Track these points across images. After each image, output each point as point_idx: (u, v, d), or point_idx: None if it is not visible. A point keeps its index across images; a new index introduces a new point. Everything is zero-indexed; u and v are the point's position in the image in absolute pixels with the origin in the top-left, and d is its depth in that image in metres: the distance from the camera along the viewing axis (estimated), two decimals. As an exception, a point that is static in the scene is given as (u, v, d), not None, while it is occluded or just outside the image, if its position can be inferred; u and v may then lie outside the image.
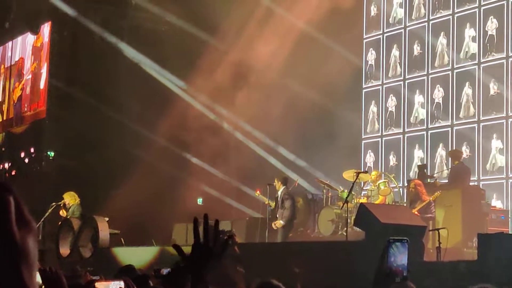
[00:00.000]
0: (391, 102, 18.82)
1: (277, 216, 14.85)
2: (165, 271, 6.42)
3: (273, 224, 14.84)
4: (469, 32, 17.21)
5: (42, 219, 16.93)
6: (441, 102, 17.64)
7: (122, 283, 3.87)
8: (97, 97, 19.46)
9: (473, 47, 17.11)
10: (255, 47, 18.81)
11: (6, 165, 23.42)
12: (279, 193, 14.98)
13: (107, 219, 15.98)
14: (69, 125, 19.83)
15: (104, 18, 20.32)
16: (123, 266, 6.92)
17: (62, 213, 16.66)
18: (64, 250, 16.26)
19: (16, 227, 1.42)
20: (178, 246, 2.47)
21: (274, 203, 16.32)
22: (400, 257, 3.20)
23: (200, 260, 2.32)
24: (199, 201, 19.67)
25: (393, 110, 18.73)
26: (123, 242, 16.59)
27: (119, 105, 19.39)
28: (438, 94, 17.72)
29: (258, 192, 16.65)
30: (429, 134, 17.83)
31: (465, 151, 16.63)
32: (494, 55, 16.70)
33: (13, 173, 22.78)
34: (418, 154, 17.97)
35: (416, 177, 15.69)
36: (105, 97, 19.47)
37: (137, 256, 14.25)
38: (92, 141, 19.52)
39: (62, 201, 16.66)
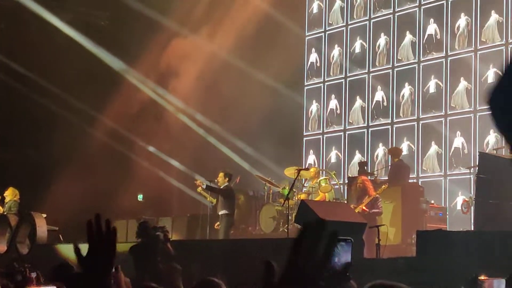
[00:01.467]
0: (333, 100, 18.94)
1: (218, 208, 14.82)
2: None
3: (216, 226, 14.84)
4: (409, 32, 17.44)
5: (-22, 215, 16.59)
6: (381, 100, 17.82)
7: None
8: (35, 88, 19.07)
9: (413, 47, 17.34)
10: (201, 33, 18.73)
11: None
12: (222, 187, 14.91)
13: (44, 215, 15.71)
14: (6, 117, 19.39)
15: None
16: (60, 263, 6.77)
17: (-1, 209, 16.37)
18: (1, 247, 15.92)
19: None
20: (78, 249, 2.20)
21: (215, 199, 16.26)
22: (344, 256, 3.17)
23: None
24: (140, 197, 19.49)
25: (334, 108, 18.85)
26: (61, 238, 16.35)
27: (58, 98, 19.03)
28: (379, 93, 17.90)
29: (199, 188, 16.55)
30: (369, 131, 17.99)
31: (406, 148, 16.84)
32: (433, 54, 16.93)
33: None
34: (359, 151, 18.13)
35: (357, 174, 15.80)
36: (43, 88, 19.08)
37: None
38: (30, 134, 19.15)
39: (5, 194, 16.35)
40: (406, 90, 17.34)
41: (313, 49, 19.55)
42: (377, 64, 18.04)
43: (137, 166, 19.06)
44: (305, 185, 16.23)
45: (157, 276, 8.79)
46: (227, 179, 14.91)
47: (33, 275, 6.97)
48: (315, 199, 14.81)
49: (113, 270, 6.05)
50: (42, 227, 15.30)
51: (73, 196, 17.19)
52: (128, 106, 18.80)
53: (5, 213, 16.14)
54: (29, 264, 14.64)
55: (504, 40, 15.75)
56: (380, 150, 17.63)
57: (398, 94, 17.46)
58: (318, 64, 19.39)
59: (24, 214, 15.70)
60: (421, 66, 17.10)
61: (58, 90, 18.98)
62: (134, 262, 9.46)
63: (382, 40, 17.96)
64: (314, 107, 19.33)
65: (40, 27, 19.04)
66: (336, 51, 18.98)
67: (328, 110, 18.99)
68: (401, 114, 17.40)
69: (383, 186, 13.18)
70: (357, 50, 18.50)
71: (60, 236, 16.47)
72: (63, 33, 19.36)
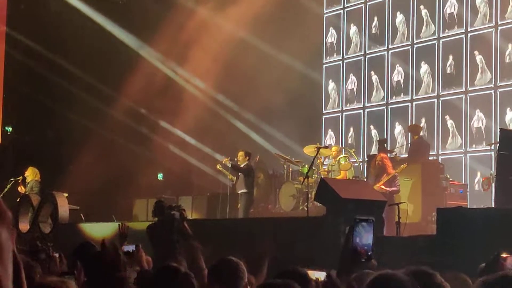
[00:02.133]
0: (351, 78, 18.86)
1: (238, 186, 14.83)
2: (126, 248, 6.33)
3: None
4: (426, 9, 17.32)
5: (1, 195, 16.72)
6: (401, 78, 17.72)
7: None
8: (53, 68, 19.14)
9: (433, 23, 17.21)
10: (220, 12, 18.66)
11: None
12: (242, 165, 14.93)
13: (66, 194, 15.81)
14: (27, 99, 19.50)
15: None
16: (80, 243, 6.80)
17: (21, 189, 16.48)
18: (24, 226, 16.07)
19: None
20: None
21: (235, 178, 16.29)
22: (365, 236, 3.17)
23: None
24: (160, 176, 19.56)
25: (354, 86, 18.77)
26: (83, 218, 16.47)
27: (77, 77, 19.08)
28: (398, 70, 17.80)
29: (219, 165, 16.59)
30: (389, 109, 17.90)
31: (425, 125, 16.78)
32: (455, 29, 16.80)
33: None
34: (378, 129, 18.06)
35: (377, 152, 15.76)
36: (62, 68, 19.13)
37: (98, 232, 14.11)
38: (50, 115, 19.24)
39: (20, 176, 16.46)
40: (425, 67, 17.22)
41: (332, 27, 19.44)
42: (395, 42, 17.93)
43: (157, 145, 19.11)
44: (324, 163, 16.21)
45: (175, 255, 8.82)
46: (247, 157, 14.92)
47: (56, 255, 7.01)
48: (336, 177, 14.82)
49: (134, 249, 6.08)
50: (64, 207, 15.40)
51: (93, 176, 17.27)
52: (147, 85, 18.79)
53: (27, 193, 16.26)
54: (51, 243, 14.84)
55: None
56: (399, 128, 17.55)
57: (417, 71, 17.35)
58: (336, 42, 19.30)
59: (46, 193, 15.81)
60: (441, 42, 16.96)
61: (77, 70, 19.03)
62: (150, 241, 9.50)
63: (400, 17, 17.84)
64: (333, 85, 19.26)
65: (59, 7, 19.04)
66: (354, 28, 18.86)
67: (347, 88, 18.91)
68: (420, 92, 17.30)
69: (402, 165, 13.15)
70: (375, 27, 18.37)
71: (82, 215, 16.58)
72: (81, 13, 19.35)
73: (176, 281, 4.25)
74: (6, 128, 20.43)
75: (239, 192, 14.70)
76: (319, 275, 4.84)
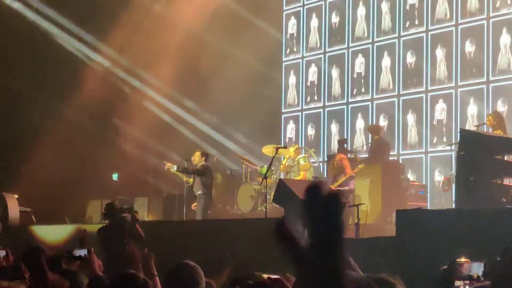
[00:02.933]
0: (311, 75, 18.93)
1: (194, 189, 14.82)
2: (78, 252, 6.27)
3: (193, 206, 14.84)
4: (386, 4, 17.46)
5: None
6: (361, 75, 17.84)
7: None
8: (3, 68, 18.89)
9: (391, 20, 17.37)
10: (174, 10, 18.58)
11: None
12: (198, 166, 14.89)
13: (16, 196, 15.64)
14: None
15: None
16: (30, 248, 6.72)
17: (-31, 191, 16.22)
18: (-30, 230, 15.84)
19: None
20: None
21: (192, 179, 16.22)
22: None
23: None
24: (115, 176, 19.40)
25: (314, 84, 18.85)
26: (34, 220, 16.28)
27: (26, 75, 18.82)
28: (359, 67, 17.92)
29: (171, 169, 16.55)
30: (349, 108, 18.02)
31: (384, 125, 16.91)
32: (415, 28, 16.95)
33: None
34: (337, 128, 18.16)
35: (336, 151, 15.85)
36: (10, 66, 18.87)
37: (50, 234, 13.97)
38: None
39: None
40: (387, 62, 17.35)
41: (291, 23, 19.50)
42: (355, 38, 18.04)
43: (112, 145, 18.97)
44: (283, 163, 16.25)
45: (126, 259, 8.76)
46: (203, 158, 14.90)
47: (2, 253, 6.90)
48: (296, 178, 14.87)
49: (86, 253, 6.03)
50: (14, 208, 15.23)
51: (46, 176, 17.09)
52: (102, 83, 18.66)
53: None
54: (0, 246, 14.63)
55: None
56: (360, 127, 17.67)
57: (378, 68, 17.49)
58: (296, 39, 19.35)
59: (-5, 195, 15.60)
60: (401, 41, 17.13)
61: (26, 65, 18.75)
62: (101, 244, 9.42)
63: (361, 10, 17.97)
64: (292, 82, 19.31)
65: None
66: (314, 25, 18.93)
67: (307, 86, 18.98)
68: (380, 89, 17.44)
69: (360, 166, 13.25)
70: (335, 24, 18.47)
71: (33, 217, 16.39)
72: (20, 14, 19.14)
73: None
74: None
75: (197, 193, 14.68)
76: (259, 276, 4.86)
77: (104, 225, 10.22)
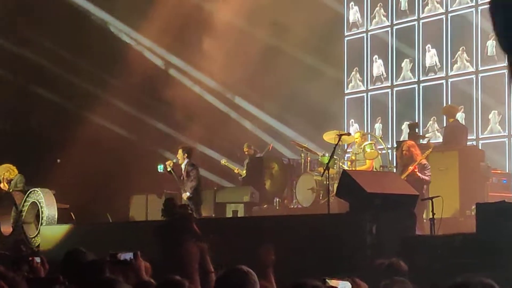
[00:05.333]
0: (377, 53, 18.78)
1: (183, 189, 14.96)
2: (122, 256, 6.29)
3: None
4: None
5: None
6: (434, 53, 17.63)
7: None
8: (37, 49, 19.17)
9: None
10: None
11: None
12: (183, 165, 15.01)
13: (53, 192, 15.85)
14: (4, 82, 19.52)
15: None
16: (71, 250, 6.79)
17: (3, 186, 16.48)
18: (6, 228, 16.14)
19: None
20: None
21: (245, 171, 16.36)
22: None
23: None
24: (160, 168, 19.52)
25: (380, 63, 18.70)
26: (73, 217, 16.50)
27: (64, 60, 19.10)
28: (430, 43, 17.71)
29: (224, 160, 16.68)
30: (420, 87, 17.84)
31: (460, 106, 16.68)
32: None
33: None
34: (407, 110, 18.00)
35: (407, 137, 15.72)
36: (46, 49, 19.16)
37: (91, 235, 14.14)
38: (33, 100, 19.25)
39: None
40: (463, 35, 17.12)
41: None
42: (426, 10, 17.83)
43: (156, 133, 19.12)
44: (347, 151, 16.19)
45: (184, 258, 8.87)
46: (186, 155, 14.97)
47: (37, 260, 6.99)
48: (361, 168, 14.81)
49: (132, 257, 6.08)
50: (51, 206, 15.45)
51: (84, 170, 17.32)
52: (143, 67, 18.80)
53: (11, 190, 16.26)
54: (37, 246, 14.92)
55: None
56: (433, 108, 17.47)
57: (454, 45, 17.26)
58: (359, 13, 19.20)
59: (30, 191, 15.83)
60: (479, 11, 16.87)
61: (62, 49, 19.02)
62: (160, 244, 9.53)
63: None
64: (356, 61, 19.19)
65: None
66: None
67: (371, 63, 18.85)
68: (456, 67, 17.22)
69: (427, 151, 13.09)
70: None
71: (72, 214, 16.61)
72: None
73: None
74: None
75: (185, 198, 14.79)
76: (343, 285, 4.84)
77: (162, 222, 10.35)
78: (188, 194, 14.80)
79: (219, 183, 18.22)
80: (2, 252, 14.78)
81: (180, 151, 15.05)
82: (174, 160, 15.16)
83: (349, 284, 4.86)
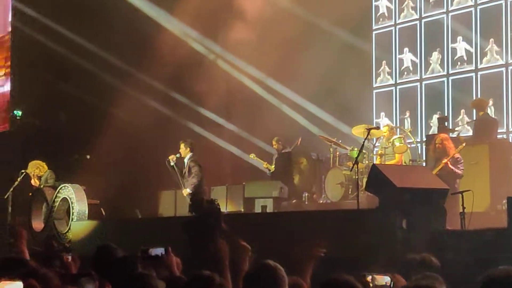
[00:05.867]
0: (405, 47, 18.69)
1: (183, 185, 15.03)
2: (154, 251, 6.31)
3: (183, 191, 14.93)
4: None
5: (11, 189, 16.90)
6: (464, 45, 17.52)
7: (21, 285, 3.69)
8: (68, 47, 19.28)
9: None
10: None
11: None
12: (186, 160, 15.07)
13: (84, 187, 15.93)
14: (37, 80, 19.67)
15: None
16: (100, 246, 6.82)
17: (34, 182, 16.60)
18: (37, 224, 16.26)
19: None
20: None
21: (273, 166, 16.33)
22: None
23: None
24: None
25: (408, 56, 18.61)
26: (103, 213, 16.59)
27: (94, 55, 19.20)
28: (460, 36, 17.59)
29: (253, 154, 16.67)
30: (449, 80, 17.74)
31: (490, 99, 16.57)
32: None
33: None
34: (436, 104, 17.89)
35: (436, 131, 15.65)
36: (77, 46, 19.27)
37: (121, 230, 14.21)
38: (63, 97, 19.37)
39: (26, 170, 16.58)
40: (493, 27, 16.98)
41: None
42: (455, 2, 17.71)
43: (184, 128, 19.16)
44: (376, 145, 16.14)
45: (214, 254, 8.85)
46: (188, 149, 14.99)
47: (69, 256, 7.04)
48: (390, 162, 14.76)
49: (163, 252, 6.09)
50: (81, 201, 15.54)
51: (115, 166, 17.40)
52: (172, 62, 18.83)
53: (42, 186, 16.38)
54: (69, 242, 15.02)
55: None
56: (462, 102, 17.36)
57: (483, 38, 17.13)
58: (388, 6, 19.12)
59: (61, 187, 15.92)
60: (508, 2, 16.74)
61: (93, 46, 19.14)
62: (189, 240, 9.53)
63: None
64: (384, 55, 19.11)
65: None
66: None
67: (401, 58, 18.76)
68: (486, 59, 17.10)
69: (460, 146, 13.01)
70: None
71: (102, 210, 16.70)
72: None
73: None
74: (15, 112, 20.62)
75: (185, 194, 14.80)
76: (383, 280, 4.85)
77: (190, 219, 10.35)
78: (188, 190, 14.85)
79: (247, 178, 18.22)
80: (34, 248, 14.89)
81: (182, 145, 15.12)
82: (177, 155, 15.18)
83: (389, 278, 4.89)
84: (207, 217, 9.87)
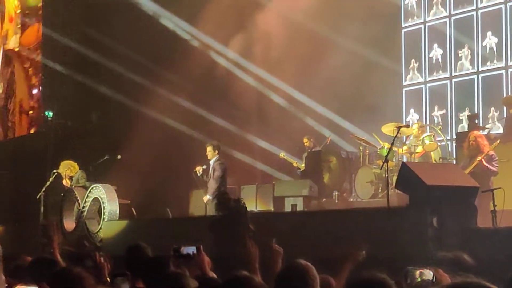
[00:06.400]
0: (435, 43, 18.59)
1: (206, 190, 15.20)
2: (185, 250, 6.31)
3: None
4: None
5: (43, 189, 17.05)
6: (494, 42, 17.40)
7: None
8: (99, 48, 19.41)
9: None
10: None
11: None
12: (212, 162, 15.14)
13: (115, 187, 16.03)
14: (69, 81, 19.82)
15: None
16: (131, 245, 6.85)
17: (66, 182, 16.73)
18: (69, 224, 16.39)
19: None
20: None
21: (303, 165, 16.32)
22: None
23: None
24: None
25: (438, 53, 18.51)
26: (134, 213, 16.66)
27: (122, 56, 19.30)
28: (490, 33, 17.47)
29: (283, 153, 16.65)
30: (479, 78, 17.62)
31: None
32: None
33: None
34: (466, 102, 17.79)
35: (467, 128, 15.57)
36: (108, 48, 19.39)
37: (152, 230, 14.27)
38: (95, 97, 19.49)
39: (58, 170, 16.72)
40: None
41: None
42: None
43: (214, 128, 19.20)
44: (406, 143, 16.08)
45: (241, 256, 8.84)
46: (216, 151, 15.03)
47: (101, 255, 7.07)
48: (416, 153, 14.73)
49: (194, 250, 6.10)
50: (112, 201, 15.64)
51: (145, 166, 17.47)
52: (200, 64, 18.90)
53: (73, 186, 16.50)
54: (100, 241, 15.11)
55: None
56: (492, 99, 17.24)
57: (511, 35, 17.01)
58: (417, 3, 19.03)
59: (92, 187, 16.03)
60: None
61: (124, 47, 19.22)
62: (215, 240, 9.51)
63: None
64: (413, 52, 19.03)
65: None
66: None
67: (430, 55, 18.67)
68: (516, 57, 16.97)
69: (495, 143, 12.93)
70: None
71: (133, 210, 16.78)
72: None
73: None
74: (47, 113, 20.79)
75: (205, 200, 14.85)
76: (426, 274, 4.88)
77: (217, 218, 10.32)
78: (208, 196, 14.90)
79: (277, 177, 18.24)
80: (66, 247, 15.00)
81: (210, 148, 15.20)
82: (204, 167, 15.23)
83: (431, 273, 4.91)
84: (233, 217, 9.84)
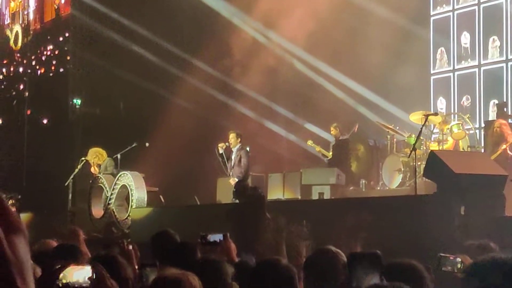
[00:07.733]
0: (464, 32, 18.46)
1: (230, 173, 15.48)
2: (212, 237, 6.36)
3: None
4: None
5: (72, 176, 17.17)
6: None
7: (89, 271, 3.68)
8: (126, 35, 19.47)
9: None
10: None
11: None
12: (235, 149, 15.51)
13: (143, 175, 16.10)
14: (96, 69, 19.90)
15: None
16: (158, 232, 6.89)
17: (94, 169, 16.83)
18: (97, 211, 16.50)
19: (3, 234, 1.42)
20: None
21: (331, 153, 16.30)
22: None
23: None
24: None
25: (467, 41, 18.38)
26: (162, 200, 16.72)
27: (152, 44, 19.34)
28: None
29: (310, 141, 16.62)
30: (508, 66, 17.49)
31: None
32: None
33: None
34: (496, 90, 17.66)
35: (495, 117, 15.47)
36: (136, 35, 19.45)
37: (179, 217, 14.31)
38: (122, 85, 19.55)
39: (86, 157, 16.83)
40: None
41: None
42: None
43: (241, 116, 19.21)
44: (434, 131, 16.01)
45: (261, 242, 8.85)
46: (239, 139, 15.23)
47: (129, 245, 7.11)
48: (445, 146, 14.66)
49: (221, 238, 6.14)
50: (140, 189, 15.71)
51: (173, 154, 17.52)
52: (229, 49, 18.90)
53: (101, 174, 16.59)
54: (128, 228, 15.19)
55: None
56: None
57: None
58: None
59: (120, 174, 16.11)
60: None
61: (150, 34, 19.28)
62: (232, 227, 9.52)
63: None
64: (442, 40, 18.91)
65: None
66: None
67: (459, 43, 18.54)
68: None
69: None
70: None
71: (161, 197, 16.84)
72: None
73: (276, 274, 4.27)
74: (75, 101, 20.90)
75: (232, 183, 14.93)
76: (456, 261, 4.92)
77: (234, 205, 10.34)
78: (236, 179, 14.95)
79: (304, 165, 18.21)
80: (95, 234, 15.12)
81: (233, 135, 15.51)
82: (227, 144, 15.48)
83: (460, 260, 4.97)
84: (250, 204, 9.85)
